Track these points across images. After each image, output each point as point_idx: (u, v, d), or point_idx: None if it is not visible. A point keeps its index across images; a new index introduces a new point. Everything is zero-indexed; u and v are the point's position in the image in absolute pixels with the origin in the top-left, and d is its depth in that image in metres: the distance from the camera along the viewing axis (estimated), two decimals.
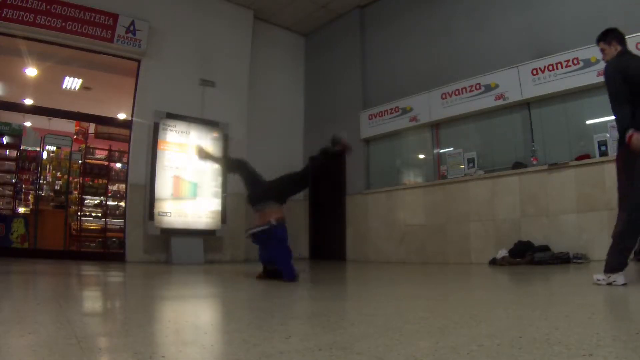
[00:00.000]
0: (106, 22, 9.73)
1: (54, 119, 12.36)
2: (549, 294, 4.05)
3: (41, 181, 10.41)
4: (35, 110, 11.21)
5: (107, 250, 10.42)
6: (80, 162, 10.95)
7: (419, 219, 9.93)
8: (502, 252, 8.01)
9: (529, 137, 8.54)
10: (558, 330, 2.13)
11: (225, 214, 10.58)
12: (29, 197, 10.30)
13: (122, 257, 9.80)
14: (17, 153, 10.06)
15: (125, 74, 10.77)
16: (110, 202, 11.25)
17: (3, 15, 8.73)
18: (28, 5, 8.97)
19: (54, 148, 10.74)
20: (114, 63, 10.45)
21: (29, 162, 10.28)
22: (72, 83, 12.40)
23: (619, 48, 4.43)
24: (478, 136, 9.45)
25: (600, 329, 2.14)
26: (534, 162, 8.26)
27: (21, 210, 10.11)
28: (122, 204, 10.81)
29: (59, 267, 7.40)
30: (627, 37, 7.15)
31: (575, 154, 7.86)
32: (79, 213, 10.73)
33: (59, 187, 10.61)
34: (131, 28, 9.99)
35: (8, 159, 10.09)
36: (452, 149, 9.82)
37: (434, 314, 2.84)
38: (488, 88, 9.04)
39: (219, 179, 10.66)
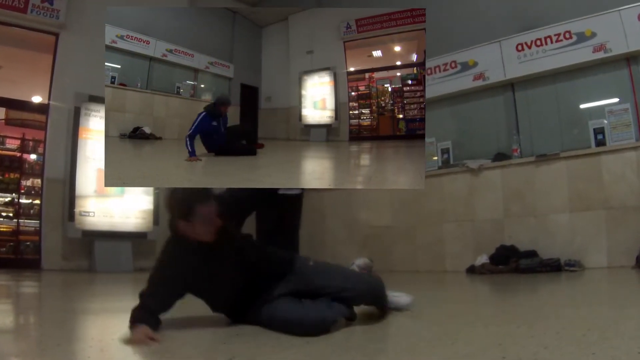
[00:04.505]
0: None
1: None
2: (536, 307, 4.08)
3: None
4: None
5: (19, 256, 10.43)
6: None
7: (385, 219, 9.86)
8: (482, 258, 7.98)
9: (513, 124, 8.59)
10: (547, 350, 2.16)
11: (157, 214, 10.44)
12: None
13: (37, 264, 9.73)
14: None
15: (42, 50, 10.68)
16: (23, 200, 11.32)
17: None
18: None
19: None
20: (28, 37, 10.30)
21: None
22: None
23: None
24: (453, 123, 9.52)
25: (597, 348, 2.14)
26: (515, 154, 8.30)
27: None
28: (38, 202, 10.69)
29: None
30: (626, 7, 7.31)
31: (567, 143, 7.89)
32: None
33: None
34: None
35: None
36: None
37: (401, 331, 2.87)
38: (465, 66, 9.07)
39: None
